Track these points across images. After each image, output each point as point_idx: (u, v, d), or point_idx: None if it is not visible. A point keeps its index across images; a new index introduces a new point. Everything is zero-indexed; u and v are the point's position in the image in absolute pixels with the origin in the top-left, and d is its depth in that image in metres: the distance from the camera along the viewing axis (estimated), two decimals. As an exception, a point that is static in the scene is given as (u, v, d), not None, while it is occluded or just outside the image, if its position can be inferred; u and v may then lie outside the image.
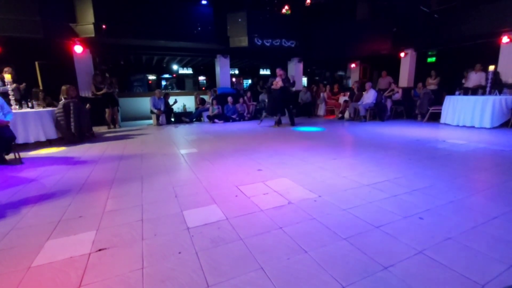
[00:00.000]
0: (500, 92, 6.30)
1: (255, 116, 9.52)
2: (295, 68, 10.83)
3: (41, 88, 7.37)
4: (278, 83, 6.99)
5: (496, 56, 7.29)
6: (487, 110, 6.00)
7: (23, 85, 6.14)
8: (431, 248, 1.56)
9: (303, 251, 1.57)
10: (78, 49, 7.47)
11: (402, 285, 1.28)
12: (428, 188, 2.52)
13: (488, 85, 6.38)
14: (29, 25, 6.37)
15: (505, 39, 6.99)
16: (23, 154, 4.26)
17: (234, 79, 12.33)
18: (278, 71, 7.09)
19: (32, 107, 5.49)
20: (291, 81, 7.25)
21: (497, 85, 6.58)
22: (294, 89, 8.63)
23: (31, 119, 4.98)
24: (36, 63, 7.62)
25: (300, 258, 1.51)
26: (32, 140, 5.02)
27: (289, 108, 7.58)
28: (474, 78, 7.45)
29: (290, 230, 1.81)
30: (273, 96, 7.26)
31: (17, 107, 5.17)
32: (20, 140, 4.73)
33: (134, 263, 1.50)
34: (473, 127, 6.21)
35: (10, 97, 5.02)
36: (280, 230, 1.82)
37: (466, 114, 6.38)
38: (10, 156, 3.94)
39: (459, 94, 6.86)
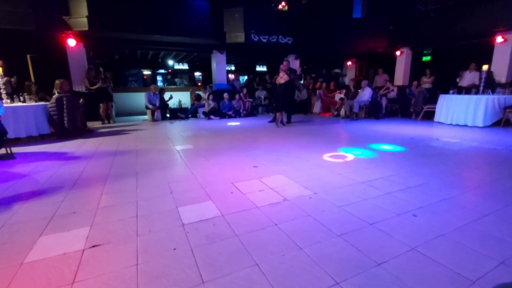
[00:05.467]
0: (493, 92, 6.38)
1: (251, 112, 9.50)
2: (292, 65, 10.81)
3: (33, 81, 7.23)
4: (282, 78, 6.66)
5: (490, 56, 7.36)
6: (480, 109, 6.08)
7: (14, 79, 6.02)
8: (424, 245, 1.59)
9: (298, 247, 1.58)
10: (71, 42, 7.33)
11: (395, 281, 1.30)
12: (421, 185, 2.55)
13: (482, 84, 6.46)
14: (21, 17, 6.21)
15: (499, 39, 7.06)
16: (15, 149, 4.18)
17: (230, 76, 12.25)
18: (282, 66, 6.74)
19: (24, 101, 5.39)
20: (297, 73, 6.76)
21: (490, 85, 6.66)
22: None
23: (22, 113, 4.89)
24: (28, 56, 7.46)
25: (295, 254, 1.52)
26: (24, 134, 4.93)
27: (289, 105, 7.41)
28: (468, 77, 7.54)
29: (285, 227, 1.82)
30: (278, 92, 6.78)
31: (9, 101, 5.08)
32: (11, 134, 4.64)
33: (129, 259, 1.50)
34: (466, 125, 6.29)
35: (1, 90, 4.92)
36: (275, 227, 1.82)
37: (459, 113, 6.46)
38: (2, 151, 3.87)
39: (453, 93, 6.93)
